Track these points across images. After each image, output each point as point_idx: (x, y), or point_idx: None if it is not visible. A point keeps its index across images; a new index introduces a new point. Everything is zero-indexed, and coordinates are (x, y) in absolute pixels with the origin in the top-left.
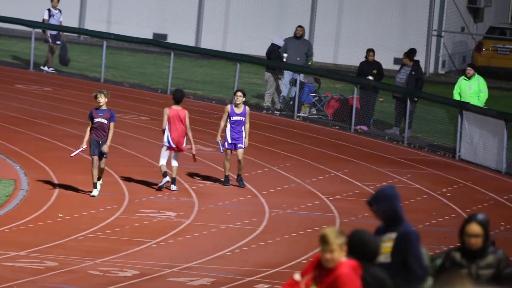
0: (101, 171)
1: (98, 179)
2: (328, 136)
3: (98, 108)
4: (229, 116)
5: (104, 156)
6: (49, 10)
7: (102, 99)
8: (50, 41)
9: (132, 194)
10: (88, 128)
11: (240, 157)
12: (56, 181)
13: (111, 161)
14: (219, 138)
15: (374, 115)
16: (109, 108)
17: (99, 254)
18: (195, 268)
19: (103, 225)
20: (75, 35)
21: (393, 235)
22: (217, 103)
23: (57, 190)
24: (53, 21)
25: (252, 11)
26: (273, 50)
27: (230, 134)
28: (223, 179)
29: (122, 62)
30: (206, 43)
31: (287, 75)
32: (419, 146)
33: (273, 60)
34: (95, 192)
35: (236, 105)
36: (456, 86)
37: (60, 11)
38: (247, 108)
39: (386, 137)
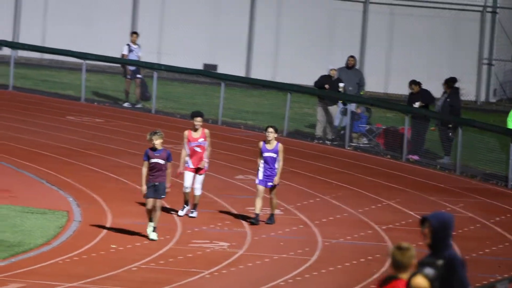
0: (156, 215)
1: (154, 229)
2: (380, 166)
3: (153, 148)
4: (261, 153)
5: (162, 196)
6: (128, 45)
7: (158, 141)
8: (129, 77)
9: (185, 225)
10: (144, 169)
11: (271, 195)
12: (108, 212)
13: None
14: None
15: (426, 143)
16: (164, 148)
17: (152, 285)
18: None
19: (156, 255)
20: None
21: (440, 261)
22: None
23: (110, 221)
24: (132, 56)
25: (302, 41)
26: (324, 79)
27: (263, 171)
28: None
29: (173, 93)
30: (257, 73)
31: (339, 105)
32: (471, 175)
33: (324, 90)
34: (153, 236)
35: (268, 142)
36: (510, 114)
37: (139, 46)
38: (280, 145)
39: (438, 166)
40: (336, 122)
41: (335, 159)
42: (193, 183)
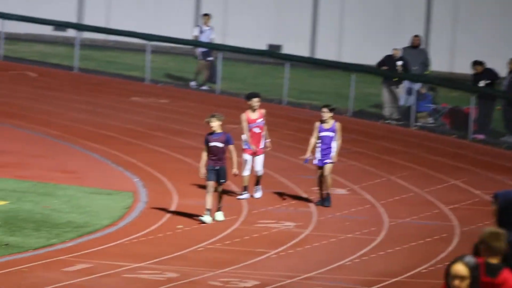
0: (219, 197)
1: (219, 209)
2: (446, 145)
3: (212, 132)
4: (318, 133)
5: (223, 181)
6: (199, 26)
7: (215, 123)
8: (201, 57)
9: (251, 205)
10: (204, 153)
11: (326, 173)
12: (174, 193)
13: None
14: (308, 155)
15: (492, 123)
16: (224, 131)
17: (219, 265)
18: (315, 278)
19: (222, 236)
20: (190, 46)
21: None
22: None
23: (175, 202)
24: (203, 38)
25: (367, 20)
26: (387, 58)
27: (320, 151)
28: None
29: (238, 73)
30: (321, 53)
31: (405, 84)
32: None
33: (389, 70)
34: (219, 216)
35: (325, 121)
36: None
37: (211, 28)
38: (337, 123)
39: (504, 145)
40: (401, 102)
41: (400, 139)
42: (253, 166)
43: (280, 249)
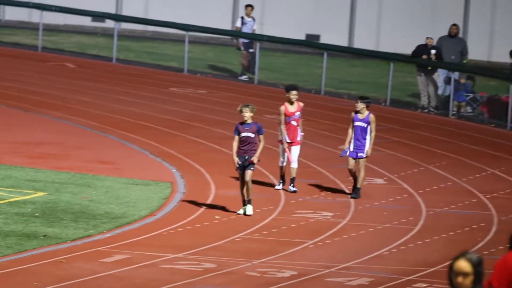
0: (248, 188)
1: (248, 202)
2: (484, 134)
3: (243, 122)
4: (353, 123)
5: (251, 168)
6: (242, 18)
7: (247, 114)
8: (243, 48)
9: (288, 195)
10: (234, 143)
11: (360, 166)
12: (212, 183)
13: (269, 164)
14: (346, 146)
15: None
16: (254, 121)
17: (256, 255)
18: (353, 268)
19: (260, 226)
20: (228, 37)
21: None
22: (372, 103)
23: (213, 192)
24: (245, 29)
25: (405, 10)
26: (421, 48)
27: (354, 142)
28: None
29: (276, 63)
30: (359, 43)
31: (442, 73)
32: None
33: (425, 59)
34: (242, 211)
35: (360, 112)
36: None
37: (253, 19)
38: (372, 115)
39: None
40: (439, 91)
41: (438, 128)
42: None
43: (317, 239)
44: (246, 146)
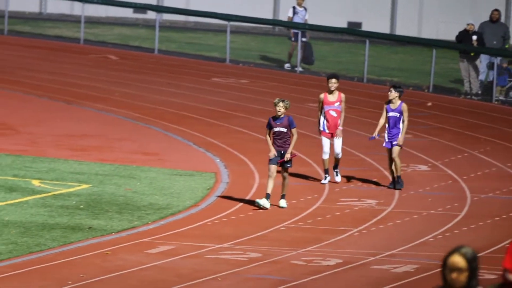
0: (284, 184)
1: (283, 196)
2: None
3: (275, 117)
4: (386, 113)
5: (288, 165)
6: (293, 7)
7: (281, 110)
8: (293, 39)
9: (332, 183)
10: (268, 137)
11: (394, 155)
12: (256, 173)
13: (312, 152)
14: (375, 134)
15: None
16: (286, 115)
17: (301, 244)
18: (398, 255)
19: (304, 215)
20: (270, 26)
21: None
22: (414, 89)
23: (257, 182)
24: (297, 19)
25: None
26: (463, 34)
27: (387, 132)
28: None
29: (318, 52)
30: (401, 30)
31: (484, 59)
32: None
33: (468, 45)
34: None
35: (391, 102)
36: None
37: (305, 9)
38: (404, 104)
39: None
40: (482, 77)
41: (482, 113)
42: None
43: (362, 227)
44: (279, 141)
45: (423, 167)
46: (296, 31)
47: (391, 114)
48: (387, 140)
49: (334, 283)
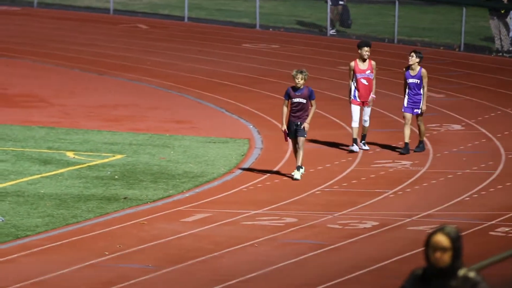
0: (299, 154)
1: (299, 168)
2: None
3: (295, 87)
4: (405, 79)
5: (304, 135)
6: None
7: (300, 81)
8: (330, 3)
9: (368, 145)
10: (284, 108)
11: (418, 122)
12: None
13: (342, 113)
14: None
15: None
16: (306, 85)
17: (337, 208)
18: (434, 215)
19: (339, 178)
20: None
21: None
22: (445, 48)
23: (291, 146)
24: None
25: None
26: None
27: (407, 98)
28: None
29: None
30: None
31: None
32: None
33: (497, 2)
34: (297, 175)
35: (411, 67)
36: None
37: None
38: (423, 70)
39: None
40: None
41: None
42: (361, 116)
43: (397, 188)
44: (298, 112)
45: (457, 126)
46: None
47: (411, 80)
48: (406, 105)
49: (371, 245)
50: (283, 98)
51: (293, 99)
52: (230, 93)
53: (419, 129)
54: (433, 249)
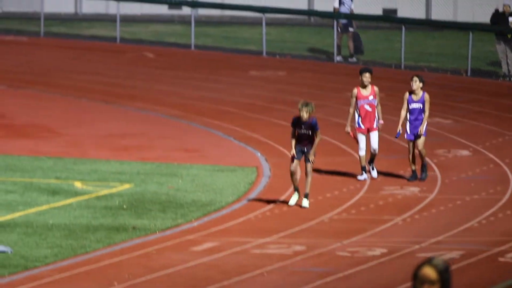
0: (307, 181)
1: (306, 196)
2: None
3: (300, 118)
4: (407, 104)
5: (311, 161)
6: None
7: (305, 115)
8: (339, 30)
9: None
10: (292, 138)
11: (420, 147)
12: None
13: (349, 140)
14: (399, 129)
15: None
16: (311, 116)
17: (346, 235)
18: (443, 242)
19: (348, 205)
20: (305, 17)
21: None
22: (452, 73)
23: (299, 173)
24: (344, 9)
25: None
26: (498, 16)
27: (409, 124)
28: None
29: None
30: (436, 15)
31: None
32: None
33: (504, 26)
34: (305, 203)
35: (414, 92)
36: None
37: None
38: (426, 94)
39: None
40: None
41: None
42: (368, 144)
43: (406, 215)
44: (304, 141)
45: (465, 152)
46: (344, 22)
47: (413, 105)
48: (409, 132)
49: (380, 273)
50: (291, 127)
51: (299, 130)
52: (238, 121)
53: (420, 154)
54: (421, 282)
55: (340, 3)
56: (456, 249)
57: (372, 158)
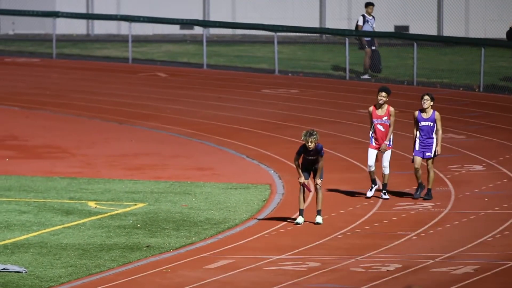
0: (319, 198)
1: (319, 212)
2: None
3: (306, 147)
4: (417, 122)
5: (321, 178)
6: (363, 16)
7: (311, 145)
8: (366, 46)
9: (388, 187)
10: (296, 163)
11: (428, 167)
12: (310, 182)
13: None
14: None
15: None
16: (316, 143)
17: (360, 251)
18: (457, 256)
19: (361, 221)
20: (317, 35)
21: None
22: (465, 89)
23: (312, 191)
24: (367, 27)
25: None
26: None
27: (419, 142)
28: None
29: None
30: (448, 31)
31: None
32: None
33: None
34: (319, 219)
35: (424, 110)
36: None
37: (373, 17)
38: (437, 113)
39: None
40: None
41: None
42: (379, 161)
43: (420, 230)
44: (310, 166)
45: (478, 167)
46: (368, 39)
47: (423, 123)
48: (418, 149)
49: None
50: (296, 154)
51: (306, 157)
52: (251, 139)
53: (428, 175)
54: None
55: (364, 21)
56: (470, 264)
57: (384, 182)
